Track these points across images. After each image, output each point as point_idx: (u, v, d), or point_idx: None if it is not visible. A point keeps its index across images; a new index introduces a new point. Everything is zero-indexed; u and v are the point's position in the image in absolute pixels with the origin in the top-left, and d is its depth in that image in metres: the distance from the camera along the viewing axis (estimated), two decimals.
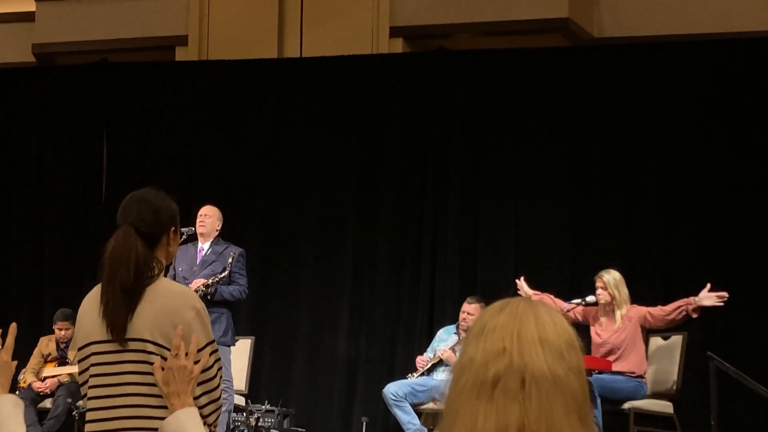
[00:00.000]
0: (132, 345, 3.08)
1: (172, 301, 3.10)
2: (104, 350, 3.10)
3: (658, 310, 7.14)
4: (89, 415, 3.12)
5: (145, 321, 3.08)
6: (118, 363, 3.09)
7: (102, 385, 3.09)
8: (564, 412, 1.51)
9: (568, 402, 1.52)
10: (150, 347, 3.06)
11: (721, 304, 6.91)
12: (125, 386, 3.07)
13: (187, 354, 2.66)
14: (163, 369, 2.67)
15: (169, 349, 3.02)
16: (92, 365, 3.11)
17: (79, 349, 3.17)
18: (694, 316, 7.03)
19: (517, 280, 7.57)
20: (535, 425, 1.50)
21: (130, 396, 3.06)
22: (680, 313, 7.03)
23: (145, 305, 3.09)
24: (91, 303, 3.17)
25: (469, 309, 7.92)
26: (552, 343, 1.54)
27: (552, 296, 7.48)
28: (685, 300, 7.04)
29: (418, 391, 7.82)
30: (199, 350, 3.05)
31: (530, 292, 7.46)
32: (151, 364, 3.02)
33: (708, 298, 6.92)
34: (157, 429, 2.97)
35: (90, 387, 3.12)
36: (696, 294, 7.06)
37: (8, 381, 2.81)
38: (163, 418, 2.96)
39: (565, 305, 7.37)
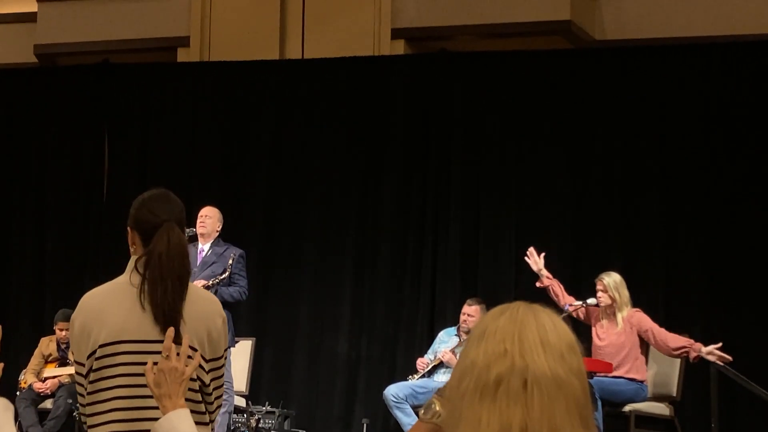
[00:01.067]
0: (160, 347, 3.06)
1: (206, 307, 3.12)
2: (140, 350, 3.01)
3: (663, 339, 7.06)
4: (114, 415, 3.01)
5: (183, 324, 3.06)
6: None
7: (132, 385, 3.01)
8: (566, 414, 1.52)
9: (570, 403, 1.52)
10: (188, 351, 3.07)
11: (721, 364, 6.90)
12: None
13: (178, 354, 2.66)
14: (154, 372, 2.67)
15: (201, 355, 3.04)
16: (121, 364, 3.01)
17: (105, 345, 3.04)
18: (693, 361, 7.04)
19: (528, 254, 7.50)
20: (537, 426, 1.50)
21: None
22: (682, 353, 7.05)
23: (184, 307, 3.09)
24: (113, 300, 3.08)
25: (470, 311, 7.93)
26: (553, 345, 1.55)
27: (561, 285, 7.47)
28: (690, 343, 6.98)
29: (419, 393, 7.82)
30: (220, 357, 3.13)
31: (542, 267, 7.44)
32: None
33: (712, 354, 6.89)
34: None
35: (118, 387, 3.01)
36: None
37: None
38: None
39: (567, 307, 7.37)
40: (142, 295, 3.04)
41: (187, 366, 2.65)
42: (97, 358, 3.03)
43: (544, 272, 7.45)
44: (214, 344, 3.11)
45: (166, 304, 3.02)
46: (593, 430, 1.55)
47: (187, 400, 2.95)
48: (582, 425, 1.52)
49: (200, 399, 3.07)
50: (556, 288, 7.43)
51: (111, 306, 3.07)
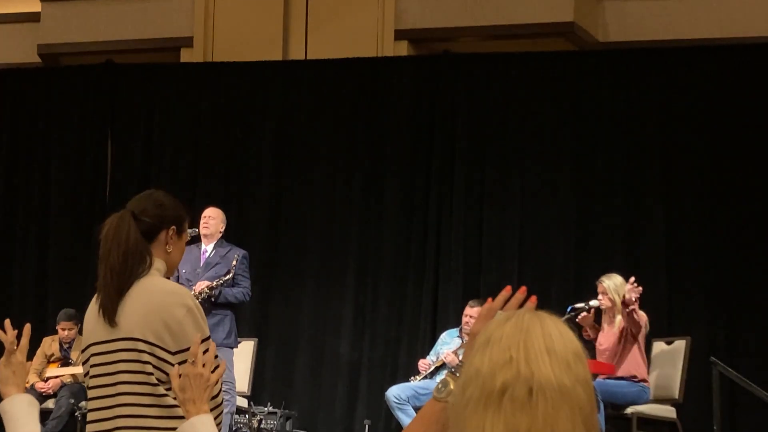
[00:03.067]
0: (123, 344, 3.09)
1: (162, 299, 3.10)
2: (100, 351, 3.12)
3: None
4: (89, 416, 3.15)
5: (135, 319, 3.07)
6: (112, 363, 3.09)
7: (98, 385, 3.11)
8: (570, 423, 1.51)
9: (575, 413, 1.51)
10: (141, 345, 3.06)
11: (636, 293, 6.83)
12: (119, 386, 3.07)
13: (204, 365, 2.68)
14: (180, 376, 2.69)
15: (160, 347, 3.05)
16: (91, 366, 3.14)
17: (82, 351, 3.22)
18: (630, 309, 6.93)
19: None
20: None
21: (123, 395, 3.06)
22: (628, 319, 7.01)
23: (134, 302, 3.09)
24: (93, 306, 3.19)
25: (472, 312, 7.92)
26: (559, 353, 1.54)
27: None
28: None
29: (420, 394, 7.81)
30: (185, 349, 3.06)
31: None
32: (143, 362, 3.05)
33: (627, 292, 6.86)
34: (151, 428, 3.02)
35: (89, 388, 3.16)
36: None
37: (23, 381, 2.84)
38: (156, 417, 3.01)
39: (570, 309, 7.36)
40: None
41: (212, 372, 2.68)
42: (83, 363, 3.23)
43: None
44: (176, 335, 3.08)
45: (100, 288, 3.14)
46: None
47: (147, 395, 3.00)
48: None
49: (163, 393, 3.06)
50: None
51: (92, 311, 3.20)
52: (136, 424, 3.04)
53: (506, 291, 2.00)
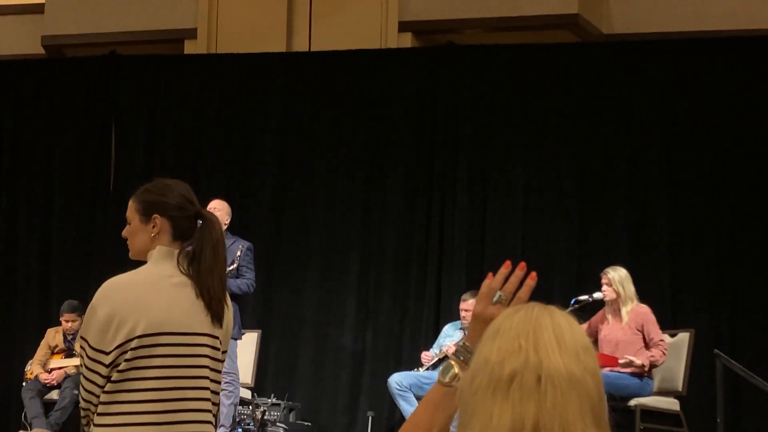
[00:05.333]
0: (206, 340, 3.08)
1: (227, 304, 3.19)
2: (179, 342, 3.01)
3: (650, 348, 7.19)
4: (147, 407, 2.97)
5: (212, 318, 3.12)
6: (194, 356, 3.04)
7: (173, 377, 3.01)
8: (578, 412, 1.50)
9: (583, 402, 1.51)
10: (218, 344, 3.11)
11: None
12: (198, 380, 3.05)
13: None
14: None
15: (222, 350, 3.13)
16: (160, 356, 2.98)
17: (143, 336, 2.97)
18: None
19: None
20: (549, 423, 1.49)
21: (200, 390, 3.05)
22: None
23: None
24: (151, 291, 3.03)
25: (467, 306, 7.90)
26: (568, 343, 1.54)
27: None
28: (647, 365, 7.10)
29: (424, 384, 7.80)
30: (225, 351, 3.19)
31: None
32: (218, 360, 3.09)
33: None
34: (208, 422, 3.04)
35: (155, 378, 2.98)
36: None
37: None
38: (210, 412, 3.06)
39: (573, 301, 7.37)
40: (199, 286, 3.05)
41: None
42: (132, 349, 2.96)
43: None
44: (226, 340, 3.18)
45: (217, 296, 3.05)
46: (606, 431, 1.53)
47: (214, 392, 3.04)
48: (594, 424, 1.51)
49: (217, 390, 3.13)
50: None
51: (149, 297, 3.01)
52: (202, 419, 3.06)
53: (505, 267, 1.96)
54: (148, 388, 2.97)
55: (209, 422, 3.06)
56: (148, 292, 3.02)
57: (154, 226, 3.12)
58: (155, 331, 2.98)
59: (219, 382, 3.12)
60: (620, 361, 7.06)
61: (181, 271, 3.06)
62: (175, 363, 3.00)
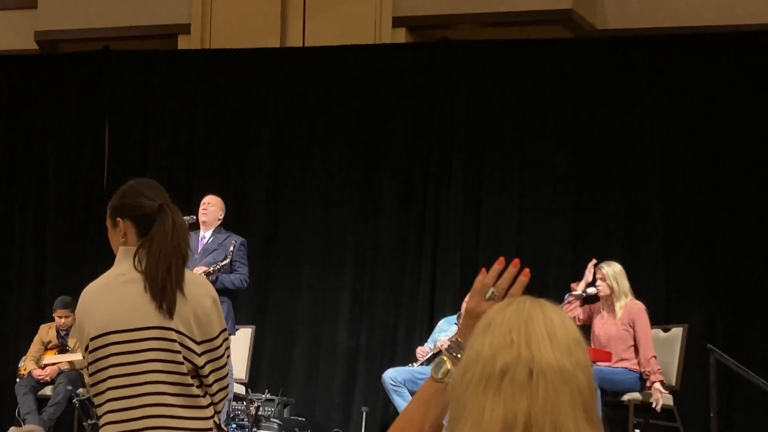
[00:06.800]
0: (154, 333, 3.06)
1: (193, 290, 3.12)
2: (125, 339, 3.05)
3: (642, 350, 7.14)
4: (109, 405, 3.06)
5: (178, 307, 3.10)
6: (141, 351, 3.05)
7: (122, 374, 3.05)
8: (570, 406, 1.50)
9: (575, 396, 1.51)
10: (173, 335, 3.07)
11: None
12: (148, 374, 3.05)
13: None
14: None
15: (189, 337, 3.07)
16: (112, 355, 3.05)
17: (94, 338, 3.07)
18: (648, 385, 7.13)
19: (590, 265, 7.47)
20: (541, 417, 1.49)
21: (152, 384, 3.04)
22: (643, 373, 7.14)
23: None
24: (102, 294, 3.12)
25: None
26: (560, 338, 1.54)
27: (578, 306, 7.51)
28: (652, 371, 7.08)
29: (418, 379, 7.80)
30: (213, 338, 3.13)
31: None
32: (174, 351, 3.05)
33: (655, 392, 7.00)
34: (178, 417, 3.02)
35: (111, 377, 3.06)
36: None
37: None
38: (182, 407, 3.02)
39: (567, 296, 7.38)
40: (146, 278, 3.06)
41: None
42: (90, 352, 3.08)
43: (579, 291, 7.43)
44: (203, 326, 3.11)
45: (163, 286, 3.05)
46: (597, 425, 1.53)
47: (176, 384, 2.99)
48: (586, 419, 1.51)
49: (190, 383, 3.07)
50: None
51: (100, 300, 3.10)
52: (163, 413, 3.03)
53: (499, 263, 1.96)
54: (109, 387, 3.06)
55: (169, 416, 3.04)
56: (98, 295, 3.12)
57: (120, 229, 3.18)
58: (101, 332, 3.07)
59: (187, 374, 3.06)
60: (652, 405, 7.03)
61: (135, 268, 3.09)
62: (126, 360, 3.05)
